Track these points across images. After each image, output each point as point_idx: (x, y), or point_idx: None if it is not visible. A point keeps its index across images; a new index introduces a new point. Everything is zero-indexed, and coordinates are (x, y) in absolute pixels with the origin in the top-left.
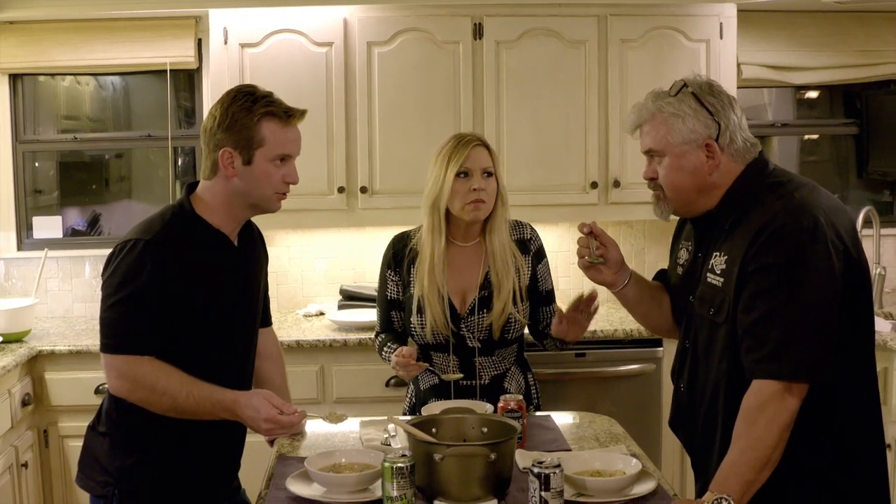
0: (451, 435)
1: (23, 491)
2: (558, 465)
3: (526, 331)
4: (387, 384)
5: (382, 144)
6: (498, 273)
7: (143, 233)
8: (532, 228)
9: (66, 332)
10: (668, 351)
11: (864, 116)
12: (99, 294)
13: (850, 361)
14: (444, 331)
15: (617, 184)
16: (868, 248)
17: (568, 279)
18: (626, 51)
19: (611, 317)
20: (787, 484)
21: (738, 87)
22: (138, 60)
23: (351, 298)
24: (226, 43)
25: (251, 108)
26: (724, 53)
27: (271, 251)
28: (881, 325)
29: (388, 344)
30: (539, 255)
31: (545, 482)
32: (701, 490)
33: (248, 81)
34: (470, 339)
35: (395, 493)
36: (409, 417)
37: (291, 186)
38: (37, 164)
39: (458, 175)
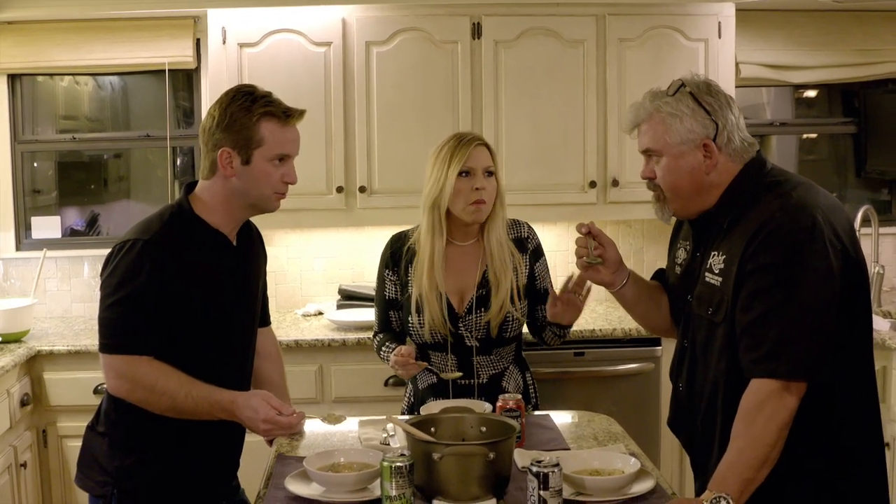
0: (450, 434)
1: (21, 491)
2: (557, 464)
3: (525, 329)
4: (385, 384)
5: (381, 144)
6: (496, 272)
7: (142, 233)
8: (529, 227)
9: (64, 332)
10: (667, 350)
11: (863, 115)
12: (97, 294)
13: (849, 360)
14: (442, 330)
15: (615, 183)
16: (866, 246)
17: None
18: (625, 50)
19: (609, 316)
20: (785, 483)
21: (736, 87)
22: (137, 60)
23: (350, 298)
24: (224, 43)
25: (250, 107)
26: (722, 53)
27: (270, 251)
28: (880, 324)
29: (387, 343)
30: (537, 254)
31: (544, 481)
32: (700, 489)
33: (246, 81)
34: (468, 338)
35: (393, 493)
36: (407, 417)
37: (290, 186)
38: (35, 164)
39: (459, 174)
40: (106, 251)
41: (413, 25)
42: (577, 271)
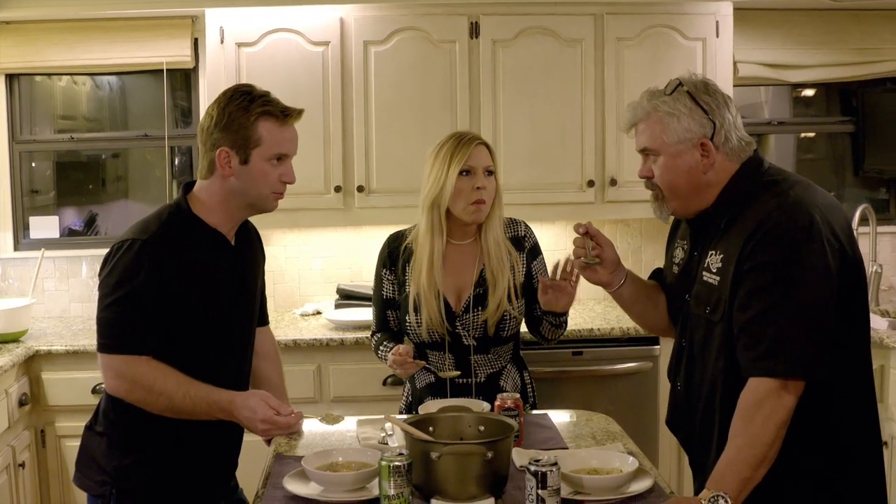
0: (448, 433)
1: (20, 491)
2: (555, 463)
3: (523, 328)
4: (384, 383)
5: (379, 144)
6: (493, 271)
7: (140, 232)
8: (526, 226)
9: (62, 331)
10: (665, 349)
11: (861, 114)
12: (96, 294)
13: (846, 359)
14: (439, 329)
15: (613, 182)
16: (864, 245)
17: None
18: (623, 49)
19: (608, 315)
20: (783, 482)
21: (734, 86)
22: (135, 60)
23: (348, 297)
24: (222, 42)
25: (248, 107)
26: (720, 52)
27: (268, 250)
28: (877, 323)
29: (385, 343)
30: (534, 253)
31: (542, 480)
32: (699, 488)
33: (244, 81)
34: (465, 337)
35: (392, 492)
36: (405, 416)
37: (288, 186)
38: (33, 164)
39: (460, 173)
40: (104, 251)
41: (411, 25)
42: (562, 259)
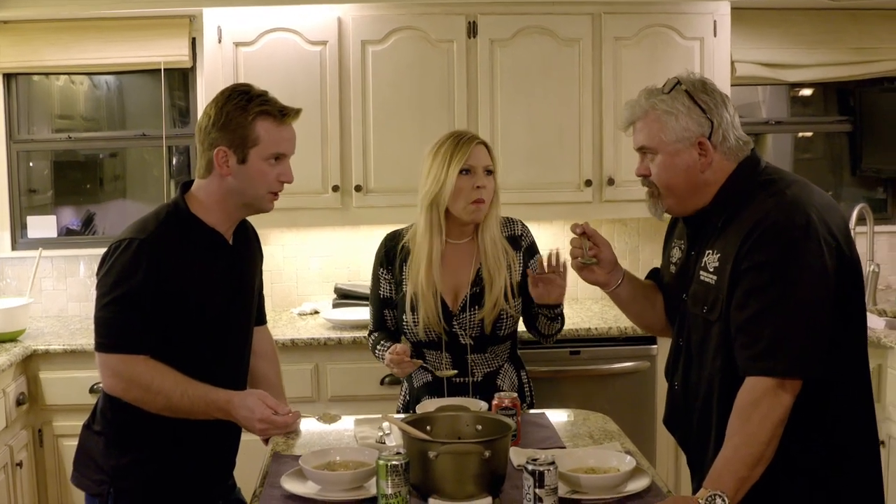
0: (446, 432)
1: (17, 490)
2: (552, 463)
3: (521, 328)
4: (381, 382)
5: (377, 143)
6: (490, 270)
7: (138, 232)
8: (523, 225)
9: (60, 331)
10: (663, 348)
11: (858, 114)
12: (93, 293)
13: (843, 358)
14: (436, 328)
15: (611, 182)
16: (862, 245)
17: None
18: (620, 49)
19: (605, 315)
20: (780, 481)
21: (731, 85)
22: (132, 60)
23: (345, 297)
24: (220, 42)
25: (246, 106)
26: (717, 51)
27: (266, 250)
28: (875, 322)
29: (382, 342)
30: (531, 251)
31: (539, 479)
32: (697, 487)
33: (242, 80)
34: (462, 337)
35: (389, 491)
36: (403, 415)
37: (286, 185)
38: (31, 164)
39: (460, 172)
40: (102, 250)
41: (409, 24)
42: (551, 252)
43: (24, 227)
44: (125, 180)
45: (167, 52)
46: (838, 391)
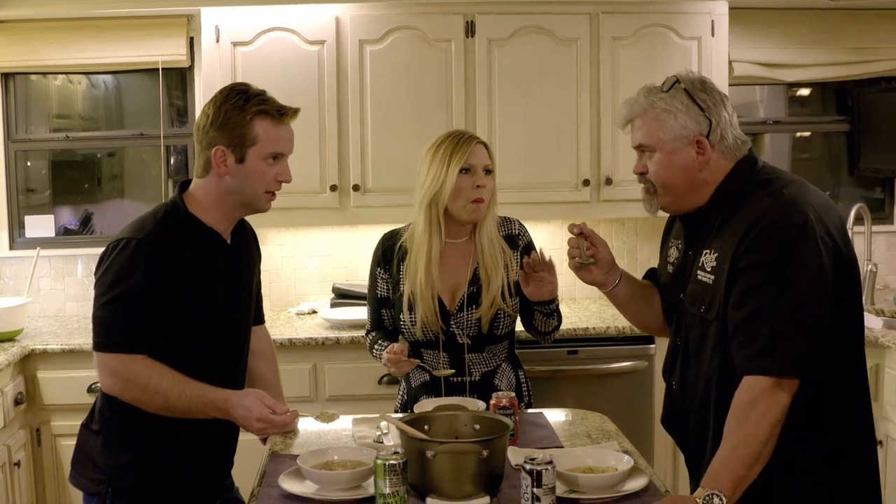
0: (444, 432)
1: (15, 490)
2: (550, 462)
3: (519, 327)
4: (379, 382)
5: (374, 142)
6: (487, 269)
7: (136, 231)
8: (520, 224)
9: (58, 330)
10: (661, 348)
11: (856, 114)
12: (91, 293)
13: (841, 358)
14: (434, 327)
15: (609, 181)
16: (860, 244)
17: (560, 276)
18: (618, 48)
19: (603, 314)
20: (777, 480)
21: (729, 85)
22: (130, 59)
23: (343, 296)
24: (218, 41)
25: (244, 106)
26: (715, 51)
27: (264, 249)
28: (872, 322)
29: (379, 341)
30: (528, 251)
31: (537, 479)
32: (695, 487)
33: (240, 80)
34: (459, 336)
35: (387, 490)
36: (401, 415)
37: (284, 185)
38: (29, 163)
39: (460, 171)
40: (100, 250)
41: (406, 24)
42: (536, 253)
43: (21, 226)
44: (123, 180)
45: (165, 51)
46: (836, 391)
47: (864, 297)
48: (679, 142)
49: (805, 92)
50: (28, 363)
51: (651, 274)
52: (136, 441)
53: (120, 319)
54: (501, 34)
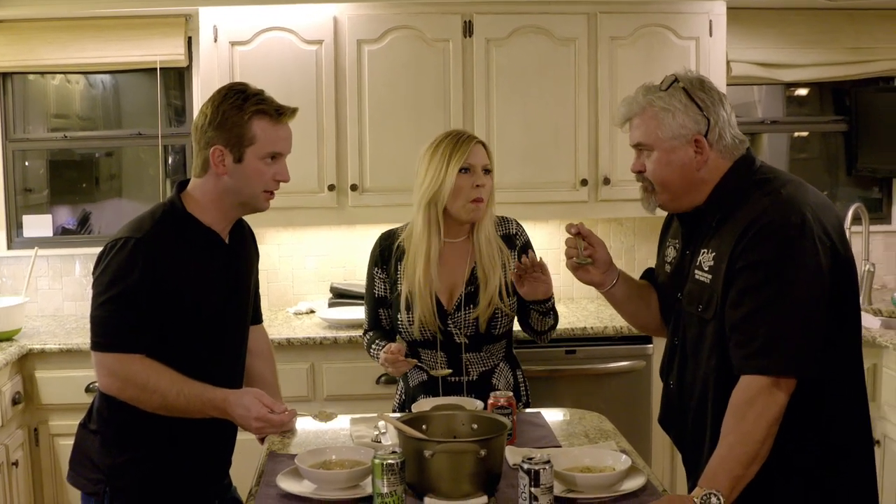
0: (442, 431)
1: (13, 490)
2: (548, 462)
3: (517, 327)
4: (377, 381)
5: (372, 142)
6: (484, 268)
7: (134, 231)
8: (518, 223)
9: (56, 330)
10: (658, 348)
11: (854, 113)
12: (89, 292)
13: (838, 358)
14: (431, 327)
15: (607, 181)
16: (857, 244)
17: (558, 276)
18: (616, 48)
19: (601, 314)
20: (775, 480)
21: (727, 85)
22: (128, 59)
23: (341, 296)
24: (216, 41)
25: (242, 105)
26: (713, 51)
27: (262, 249)
28: (870, 322)
29: (377, 341)
30: (525, 250)
31: (535, 478)
32: (693, 486)
33: (238, 79)
34: (457, 335)
35: (385, 490)
36: (399, 414)
37: (282, 184)
38: (27, 163)
39: (460, 171)
40: (97, 249)
41: (405, 24)
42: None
43: (19, 226)
44: (121, 179)
45: (163, 51)
46: (833, 390)
47: (861, 297)
48: (677, 140)
49: (803, 92)
50: (26, 363)
51: (648, 274)
52: (135, 440)
53: (118, 319)
54: (499, 34)
